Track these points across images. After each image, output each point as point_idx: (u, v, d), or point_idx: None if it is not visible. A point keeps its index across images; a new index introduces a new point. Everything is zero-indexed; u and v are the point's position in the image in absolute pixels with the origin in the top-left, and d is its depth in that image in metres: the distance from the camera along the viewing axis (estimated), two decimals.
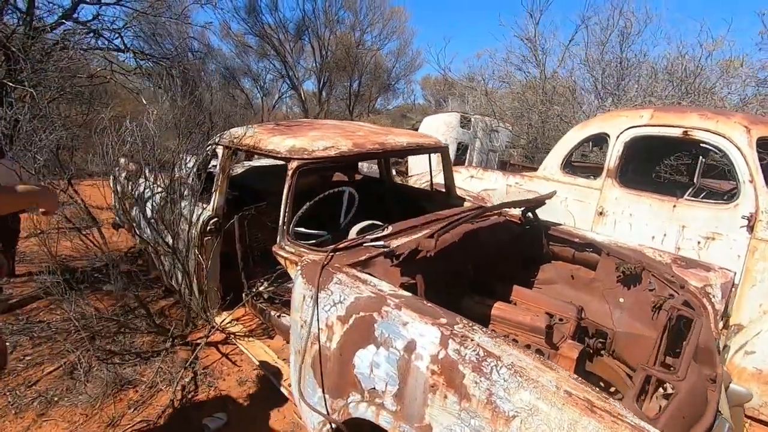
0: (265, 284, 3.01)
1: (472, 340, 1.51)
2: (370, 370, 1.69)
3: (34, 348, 2.88)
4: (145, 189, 3.68)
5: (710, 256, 2.79)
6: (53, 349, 2.87)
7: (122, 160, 4.57)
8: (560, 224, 2.99)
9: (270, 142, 2.56)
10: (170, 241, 3.18)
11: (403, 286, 2.00)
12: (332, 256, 2.11)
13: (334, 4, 13.53)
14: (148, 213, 3.56)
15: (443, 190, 3.59)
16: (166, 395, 2.48)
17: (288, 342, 2.74)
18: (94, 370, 2.65)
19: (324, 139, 2.54)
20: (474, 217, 2.40)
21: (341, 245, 2.19)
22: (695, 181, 2.96)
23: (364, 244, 2.25)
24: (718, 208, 2.79)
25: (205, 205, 2.97)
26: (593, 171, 3.89)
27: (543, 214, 2.92)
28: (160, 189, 3.55)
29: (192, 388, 2.56)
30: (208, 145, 3.00)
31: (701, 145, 2.90)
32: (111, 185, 4.76)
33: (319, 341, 1.90)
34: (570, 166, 3.79)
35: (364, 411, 1.69)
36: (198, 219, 2.92)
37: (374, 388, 1.68)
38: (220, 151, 2.89)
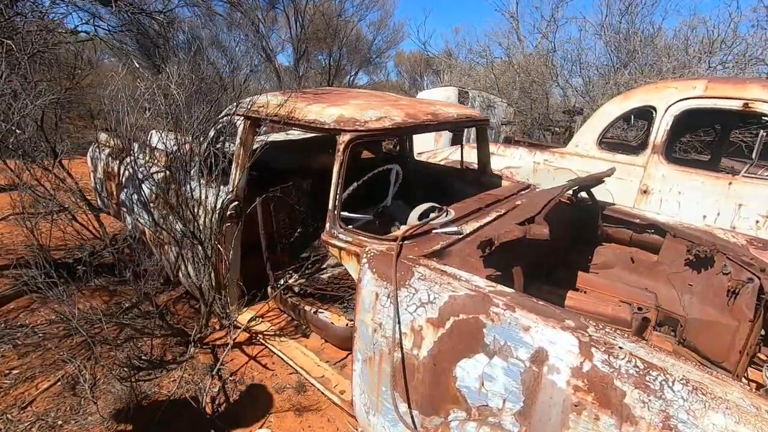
0: (295, 276, 2.66)
1: (620, 348, 1.25)
2: (479, 384, 1.41)
3: (20, 359, 2.42)
4: (138, 168, 3.19)
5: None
6: (44, 359, 2.43)
7: (102, 135, 4.00)
8: (614, 204, 2.78)
9: (309, 111, 2.16)
10: (180, 228, 2.75)
11: (489, 280, 1.71)
12: (401, 245, 1.79)
13: None
14: (144, 196, 3.09)
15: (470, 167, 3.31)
16: (192, 408, 2.12)
17: (331, 343, 2.43)
18: (101, 384, 2.25)
19: (373, 108, 2.18)
20: (553, 198, 2.12)
21: (410, 232, 1.87)
22: (754, 156, 2.83)
23: (434, 231, 1.94)
24: None
25: (222, 187, 2.54)
26: (625, 148, 3.70)
27: None
28: (159, 168, 3.07)
29: (222, 399, 2.21)
30: (223, 117, 2.56)
31: (763, 118, 2.75)
32: (89, 164, 4.20)
33: (401, 348, 1.60)
34: (603, 142, 3.58)
35: (474, 431, 1.41)
36: (215, 203, 2.50)
37: (486, 405, 1.40)
38: (239, 122, 2.46)
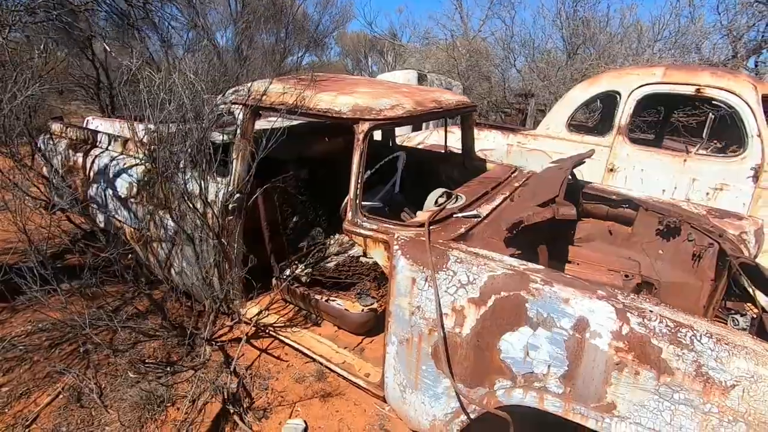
0: (301, 266, 2.65)
1: (650, 311, 1.43)
2: (524, 353, 1.54)
3: (5, 375, 2.21)
4: (113, 161, 2.96)
5: (718, 205, 3.06)
6: (35, 372, 2.24)
7: (55, 126, 3.62)
8: (592, 182, 3.04)
9: (320, 99, 2.14)
10: (173, 224, 2.61)
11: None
12: (429, 231, 1.87)
13: None
14: (122, 191, 2.89)
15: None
16: (216, 407, 2.09)
17: (347, 329, 2.47)
18: (108, 392, 2.13)
19: (384, 96, 2.19)
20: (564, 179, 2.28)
21: (434, 218, 1.95)
22: (704, 136, 3.20)
23: (454, 215, 2.03)
24: (726, 161, 3.04)
25: (220, 179, 2.45)
26: (591, 130, 4.00)
27: None
28: (138, 160, 2.87)
29: (243, 394, 2.19)
30: (218, 105, 2.43)
31: (713, 102, 3.12)
32: (39, 158, 3.79)
33: (442, 327, 1.69)
34: (572, 125, 3.85)
35: (520, 397, 1.55)
36: (215, 196, 2.41)
37: (532, 372, 1.54)
38: (238, 111, 2.36)
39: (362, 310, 2.40)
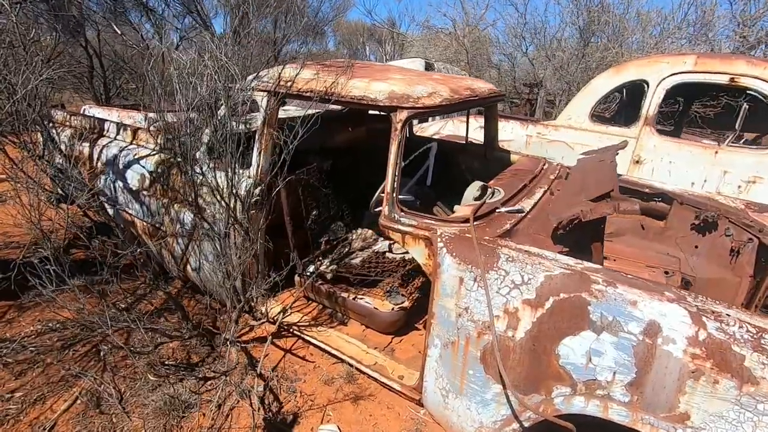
0: (326, 263, 2.53)
1: (727, 315, 1.34)
2: (587, 359, 1.44)
3: (17, 379, 2.09)
4: (123, 151, 2.81)
5: (750, 198, 2.97)
6: (48, 376, 2.12)
7: (58, 114, 3.44)
8: (623, 175, 2.93)
9: (353, 86, 2.00)
10: (186, 219, 2.48)
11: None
12: (474, 227, 1.75)
13: None
14: (133, 183, 2.74)
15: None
16: (244, 412, 1.98)
17: (375, 329, 2.37)
18: (128, 396, 2.01)
19: (418, 83, 2.06)
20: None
21: (478, 213, 1.84)
22: (736, 127, 3.11)
23: (497, 211, 1.92)
24: (760, 153, 2.95)
25: (240, 171, 2.31)
26: (616, 120, 3.88)
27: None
28: (150, 150, 2.72)
29: (271, 398, 2.09)
30: (237, 92, 2.28)
31: (747, 91, 3.01)
32: (41, 147, 3.62)
33: (493, 331, 1.58)
34: (595, 115, 3.74)
35: (582, 405, 1.45)
36: (237, 188, 2.27)
37: (594, 379, 1.44)
38: (261, 98, 2.22)
39: (392, 309, 2.29)
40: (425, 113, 1.96)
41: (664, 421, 1.35)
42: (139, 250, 2.03)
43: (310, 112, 3.24)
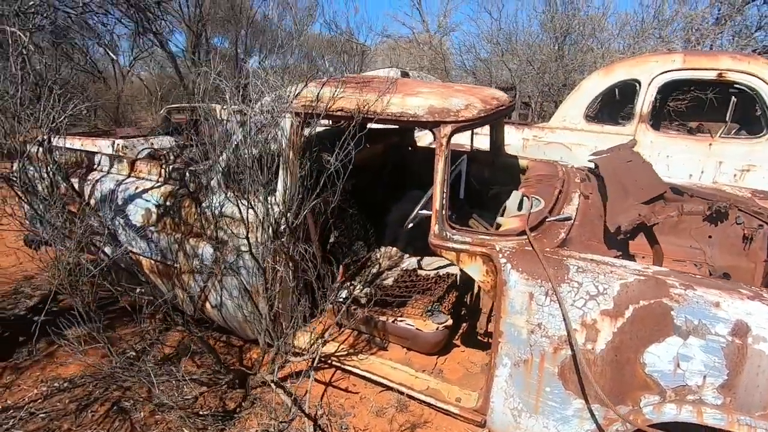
0: (358, 286, 2.42)
1: None
2: (674, 365, 1.43)
3: None
4: (120, 185, 2.60)
5: (745, 185, 3.12)
6: None
7: (34, 149, 3.14)
8: None
9: (390, 103, 1.93)
10: (205, 253, 2.31)
11: None
12: (531, 239, 1.72)
13: None
14: (136, 219, 2.53)
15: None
16: None
17: (419, 351, 2.28)
18: None
19: (451, 95, 2.02)
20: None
21: (532, 225, 1.80)
22: (727, 119, 3.28)
23: (547, 220, 1.89)
24: (751, 142, 3.12)
25: (263, 198, 2.17)
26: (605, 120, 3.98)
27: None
28: (153, 182, 2.53)
29: None
30: (255, 115, 2.15)
31: (734, 85, 3.18)
32: (17, 186, 3.29)
33: (570, 345, 1.54)
34: (589, 115, 3.84)
35: (674, 413, 1.43)
36: (263, 218, 2.13)
37: (684, 385, 1.43)
38: (285, 120, 2.10)
39: (436, 329, 2.21)
40: (467, 126, 1.92)
41: (762, 420, 1.34)
42: (146, 290, 1.84)
43: (319, 130, 3.13)
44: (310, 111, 2.03)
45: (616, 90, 3.72)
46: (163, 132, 6.90)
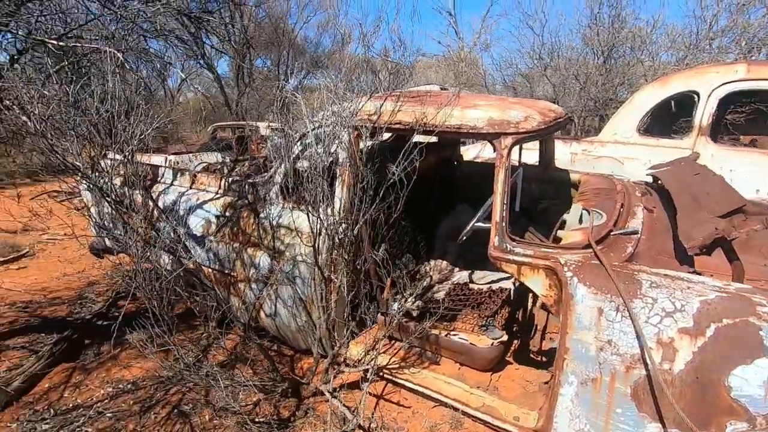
0: (410, 298, 2.41)
1: None
2: (765, 390, 1.33)
3: None
4: (182, 196, 2.73)
5: None
6: None
7: (112, 157, 3.38)
8: None
9: (450, 115, 1.94)
10: (261, 263, 2.37)
11: None
12: (597, 252, 1.66)
13: None
14: (197, 229, 2.65)
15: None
16: None
17: (474, 366, 2.23)
18: None
19: (509, 107, 2.01)
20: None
21: (596, 238, 1.75)
22: None
23: (612, 234, 1.83)
24: None
25: (322, 209, 2.22)
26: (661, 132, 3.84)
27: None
28: (213, 194, 2.65)
29: None
30: (315, 129, 2.22)
31: None
32: (89, 197, 3.53)
33: (645, 364, 1.47)
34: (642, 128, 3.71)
35: None
36: (317, 228, 2.18)
37: None
38: (343, 134, 2.16)
39: (491, 344, 2.16)
40: (527, 138, 1.91)
41: None
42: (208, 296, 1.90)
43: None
44: (370, 124, 2.08)
45: (672, 102, 3.59)
46: (210, 148, 7.25)
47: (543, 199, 3.12)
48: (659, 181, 2.51)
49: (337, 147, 2.16)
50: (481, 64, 8.44)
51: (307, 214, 2.04)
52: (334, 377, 2.21)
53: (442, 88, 8.18)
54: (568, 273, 1.63)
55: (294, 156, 2.30)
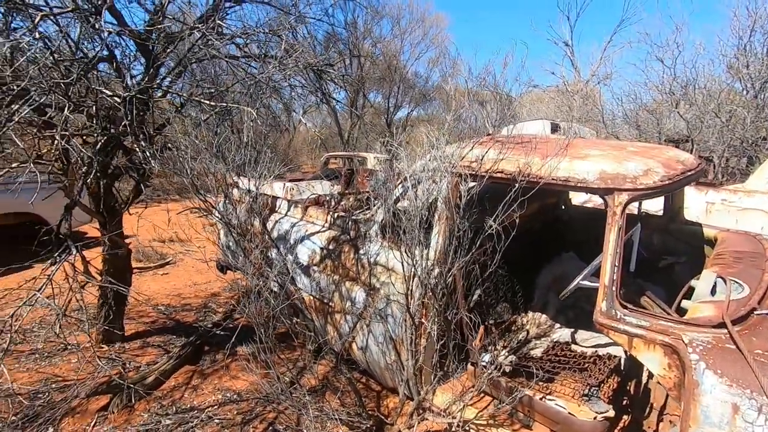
0: (503, 352, 2.30)
1: None
2: None
3: None
4: (294, 227, 2.99)
5: None
6: None
7: (235, 191, 3.89)
8: None
9: (557, 168, 1.86)
10: (358, 297, 2.48)
11: None
12: (734, 335, 1.40)
13: (369, 14, 13.05)
14: (303, 258, 2.87)
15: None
16: None
17: None
18: None
19: (626, 158, 1.85)
20: None
21: (734, 316, 1.49)
22: None
23: (756, 313, 1.54)
24: None
25: (418, 252, 2.25)
26: None
27: None
28: (320, 227, 2.86)
29: None
30: (417, 174, 2.29)
31: None
32: (219, 219, 4.09)
33: None
34: None
35: None
36: (411, 270, 2.21)
37: None
38: (444, 179, 2.19)
39: (594, 418, 1.94)
40: (646, 195, 1.73)
41: None
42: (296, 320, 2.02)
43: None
44: (471, 172, 2.08)
45: None
46: (322, 176, 7.90)
47: (666, 255, 2.76)
48: None
49: (436, 194, 2.20)
50: (599, 96, 7.86)
51: (401, 256, 2.10)
52: (419, 423, 2.18)
53: (553, 125, 7.86)
54: (694, 355, 1.41)
55: (394, 198, 2.40)
